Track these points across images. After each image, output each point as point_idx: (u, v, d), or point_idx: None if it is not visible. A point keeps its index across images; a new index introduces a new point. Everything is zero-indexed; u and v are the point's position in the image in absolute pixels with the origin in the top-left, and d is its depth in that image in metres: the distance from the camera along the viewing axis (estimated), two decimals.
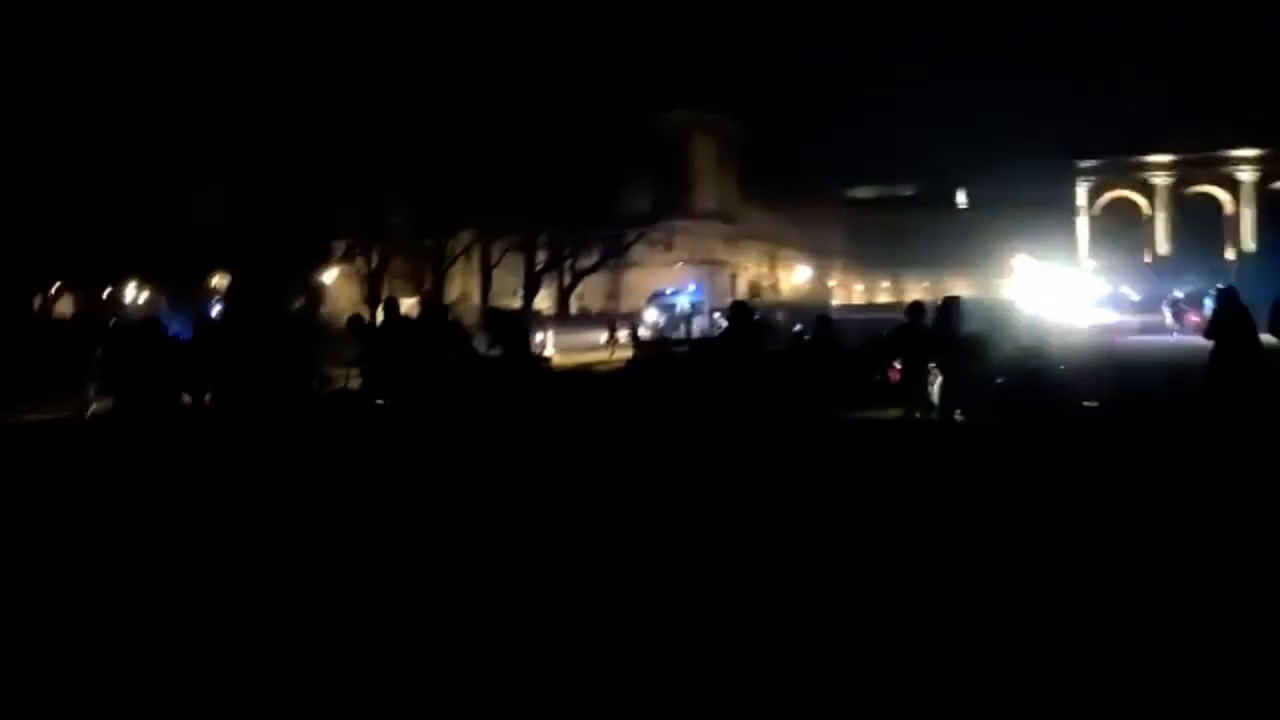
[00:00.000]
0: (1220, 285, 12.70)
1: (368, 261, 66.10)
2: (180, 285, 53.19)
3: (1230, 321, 11.12)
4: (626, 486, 9.35)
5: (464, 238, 67.88)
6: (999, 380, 13.90)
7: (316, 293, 13.90)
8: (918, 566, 6.41)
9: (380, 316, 12.23)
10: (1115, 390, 15.16)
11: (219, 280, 54.24)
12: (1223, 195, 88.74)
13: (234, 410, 13.08)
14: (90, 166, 45.89)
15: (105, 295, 52.36)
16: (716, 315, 41.70)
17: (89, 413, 20.32)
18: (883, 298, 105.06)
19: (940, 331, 12.97)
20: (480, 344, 14.08)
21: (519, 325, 15.49)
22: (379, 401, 11.90)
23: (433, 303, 14.76)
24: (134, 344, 15.00)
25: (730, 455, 10.29)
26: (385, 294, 61.24)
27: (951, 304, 13.27)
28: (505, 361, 14.15)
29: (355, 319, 15.34)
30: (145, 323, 17.33)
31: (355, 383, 14.23)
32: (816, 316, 18.40)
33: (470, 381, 12.08)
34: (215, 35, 46.46)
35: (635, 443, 11.24)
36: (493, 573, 6.58)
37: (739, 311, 13.57)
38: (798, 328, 20.38)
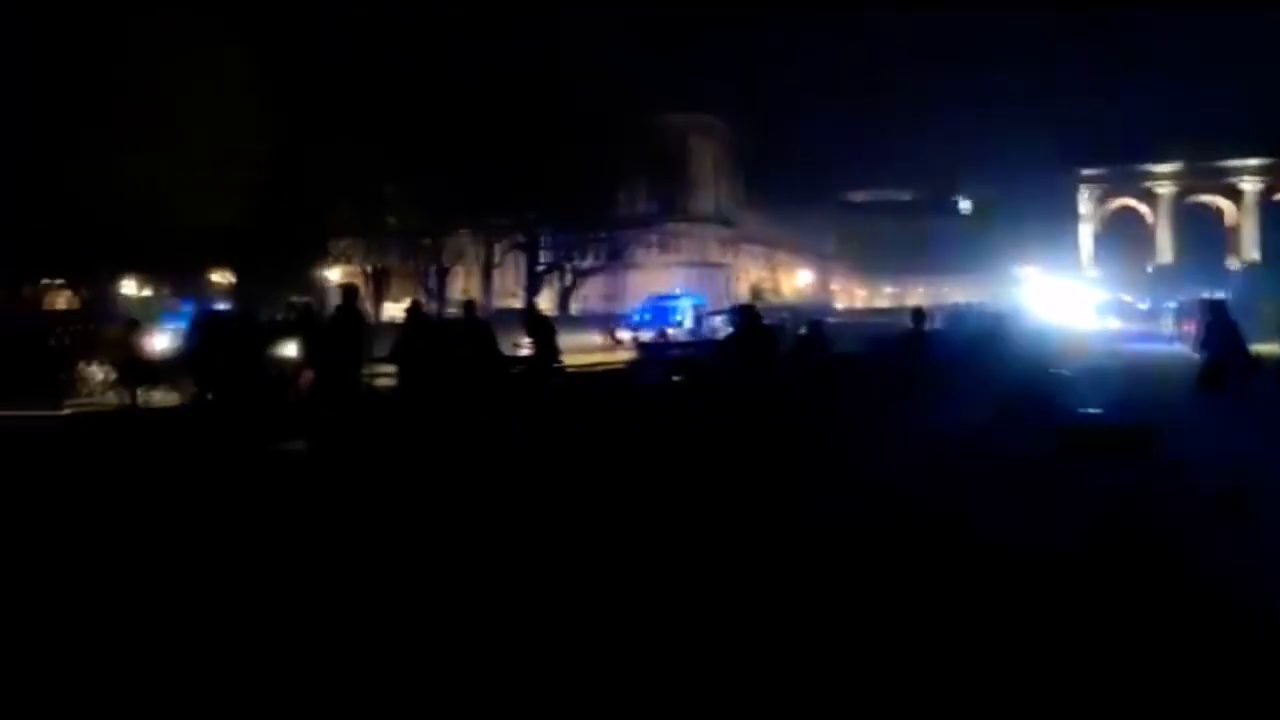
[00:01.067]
0: (1205, 297, 12.96)
1: (367, 260, 66.03)
2: (180, 281, 53.26)
3: (1219, 333, 11.36)
4: (647, 480, 9.45)
5: (465, 238, 67.90)
6: (1001, 385, 13.98)
7: (352, 291, 13.85)
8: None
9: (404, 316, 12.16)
10: (1118, 397, 15.20)
11: (218, 277, 54.26)
12: (1225, 205, 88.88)
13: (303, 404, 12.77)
14: (87, 161, 45.78)
15: (105, 290, 52.35)
16: (718, 319, 41.43)
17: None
18: (883, 302, 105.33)
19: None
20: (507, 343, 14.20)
21: (551, 327, 15.60)
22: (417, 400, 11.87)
23: (469, 301, 14.94)
24: (234, 337, 14.92)
25: (748, 449, 10.37)
26: (386, 294, 61.72)
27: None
28: (533, 360, 14.31)
29: (415, 307, 15.04)
30: (242, 315, 17.15)
31: (384, 381, 13.91)
32: (808, 320, 18.69)
33: (491, 378, 12.22)
34: (218, 33, 46.40)
35: (652, 439, 11.33)
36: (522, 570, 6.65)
37: (746, 314, 13.60)
38: (802, 330, 20.50)
